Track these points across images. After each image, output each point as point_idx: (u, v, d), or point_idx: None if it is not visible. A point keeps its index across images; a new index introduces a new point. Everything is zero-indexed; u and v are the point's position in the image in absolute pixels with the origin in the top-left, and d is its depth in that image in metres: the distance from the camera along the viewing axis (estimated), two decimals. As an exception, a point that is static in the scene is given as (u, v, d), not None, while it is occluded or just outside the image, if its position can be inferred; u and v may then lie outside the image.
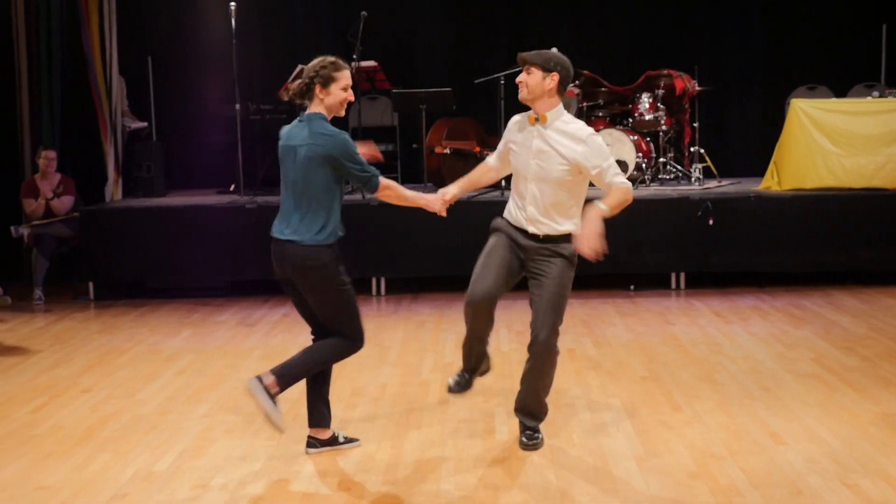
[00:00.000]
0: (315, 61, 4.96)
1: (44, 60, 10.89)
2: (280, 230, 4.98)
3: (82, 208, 9.94)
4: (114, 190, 10.65)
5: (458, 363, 6.93)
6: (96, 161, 10.73)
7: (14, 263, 10.67)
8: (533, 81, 5.11)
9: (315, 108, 4.97)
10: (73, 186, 10.04)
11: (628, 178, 9.97)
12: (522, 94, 5.14)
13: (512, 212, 5.19)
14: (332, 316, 5.06)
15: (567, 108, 11.31)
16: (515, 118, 5.30)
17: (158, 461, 5.12)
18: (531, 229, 5.09)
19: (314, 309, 5.08)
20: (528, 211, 5.08)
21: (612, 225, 9.49)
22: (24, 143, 11.01)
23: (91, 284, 9.74)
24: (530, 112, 5.18)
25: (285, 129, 5.07)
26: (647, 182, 10.25)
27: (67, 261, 10.03)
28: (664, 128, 10.42)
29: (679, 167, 10.65)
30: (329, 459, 5.10)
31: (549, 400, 5.63)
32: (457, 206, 5.75)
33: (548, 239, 5.08)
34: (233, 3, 9.94)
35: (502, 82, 9.82)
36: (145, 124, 11.21)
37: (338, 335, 5.10)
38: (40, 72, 10.94)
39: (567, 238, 5.06)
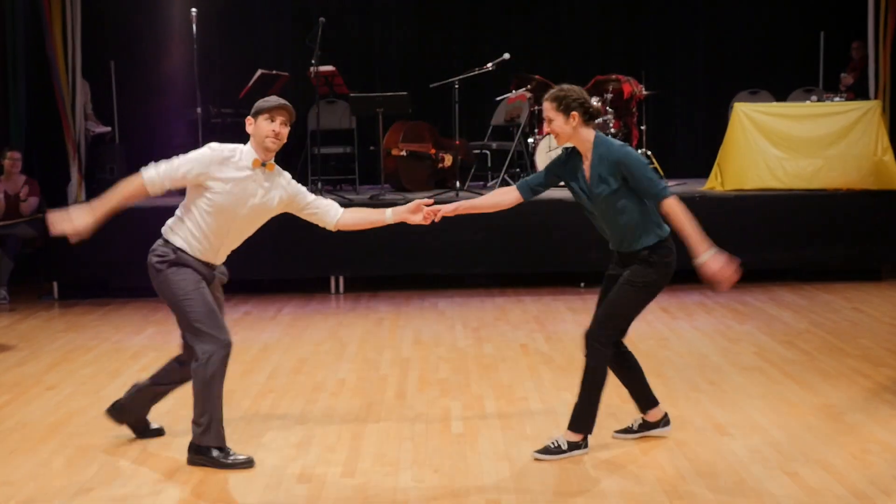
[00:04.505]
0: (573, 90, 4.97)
1: (9, 64, 10.89)
2: None
3: (46, 209, 9.93)
4: (77, 191, 10.65)
5: (415, 359, 7.12)
6: (60, 163, 10.71)
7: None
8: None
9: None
10: (37, 188, 10.06)
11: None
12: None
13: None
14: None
15: (519, 112, 11.47)
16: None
17: (122, 457, 5.17)
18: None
19: None
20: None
21: (563, 225, 9.76)
22: None
23: (55, 284, 9.79)
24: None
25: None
26: (597, 183, 10.45)
27: (32, 261, 10.03)
28: (612, 130, 10.62)
29: (627, 168, 10.85)
30: (290, 453, 5.17)
31: (503, 394, 5.78)
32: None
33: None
34: (194, 10, 10.02)
35: (457, 86, 10.00)
36: (108, 129, 11.23)
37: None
38: (5, 75, 10.93)
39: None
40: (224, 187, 4.93)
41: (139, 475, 4.92)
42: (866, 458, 4.90)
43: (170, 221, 5.11)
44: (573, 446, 5.06)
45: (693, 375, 6.50)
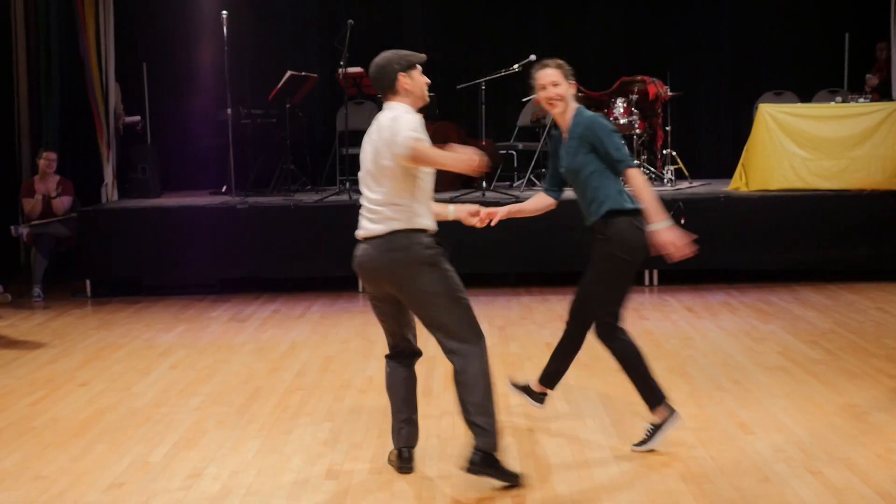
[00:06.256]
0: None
1: (42, 66, 11.10)
2: None
3: (80, 209, 10.11)
4: (110, 191, 10.82)
5: (441, 356, 7.13)
6: (93, 163, 10.90)
7: (13, 262, 10.92)
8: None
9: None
10: (71, 187, 10.20)
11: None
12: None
13: None
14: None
15: (545, 113, 11.51)
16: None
17: (153, 452, 5.24)
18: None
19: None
20: None
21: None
22: (23, 146, 11.22)
23: (88, 282, 9.93)
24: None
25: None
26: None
27: (65, 259, 10.18)
28: (638, 131, 10.65)
29: (652, 169, 10.88)
30: (318, 450, 5.23)
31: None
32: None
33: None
34: (225, 12, 10.13)
35: (483, 87, 10.05)
36: (138, 118, 11.37)
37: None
38: (39, 77, 11.14)
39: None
40: None
41: (170, 470, 4.99)
42: (891, 458, 4.91)
43: (391, 211, 4.62)
44: (663, 424, 5.09)
45: (717, 375, 6.51)
